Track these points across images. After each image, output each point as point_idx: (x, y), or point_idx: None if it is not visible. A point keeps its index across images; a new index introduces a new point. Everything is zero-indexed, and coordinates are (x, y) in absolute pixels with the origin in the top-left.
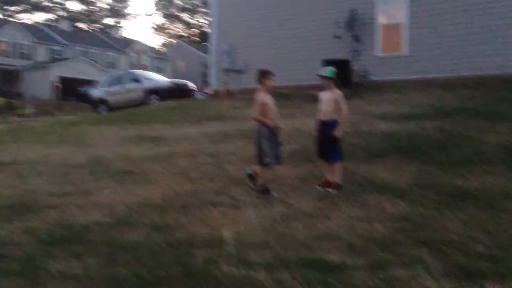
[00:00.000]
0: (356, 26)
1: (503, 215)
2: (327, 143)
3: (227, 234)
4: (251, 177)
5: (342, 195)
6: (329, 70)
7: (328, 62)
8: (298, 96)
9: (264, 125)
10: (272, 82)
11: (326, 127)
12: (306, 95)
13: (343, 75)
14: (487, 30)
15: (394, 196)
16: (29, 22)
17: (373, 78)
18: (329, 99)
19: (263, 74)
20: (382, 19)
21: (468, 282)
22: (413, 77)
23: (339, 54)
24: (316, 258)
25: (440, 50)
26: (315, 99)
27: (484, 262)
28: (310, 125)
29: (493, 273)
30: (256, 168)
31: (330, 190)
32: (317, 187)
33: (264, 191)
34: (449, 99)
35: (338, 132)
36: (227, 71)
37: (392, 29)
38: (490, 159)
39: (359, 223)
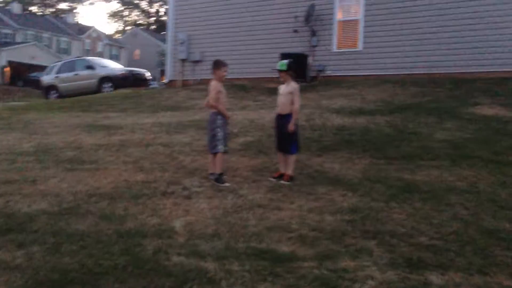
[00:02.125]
0: (314, 20)
1: (446, 208)
2: (285, 136)
3: (178, 224)
4: (217, 179)
5: (295, 187)
6: (281, 63)
7: (285, 56)
8: (255, 89)
9: (221, 113)
10: (224, 73)
11: (283, 120)
12: (263, 88)
13: (300, 69)
14: (439, 30)
15: (345, 188)
16: None
17: (329, 72)
18: (286, 92)
19: (216, 65)
20: (339, 15)
21: (411, 272)
22: (367, 73)
23: (298, 48)
24: (266, 248)
25: (393, 48)
26: (271, 92)
27: (428, 253)
28: (265, 117)
29: (436, 264)
30: (212, 167)
31: (283, 181)
32: (271, 178)
33: (219, 180)
34: (401, 96)
35: (291, 126)
36: (183, 61)
37: (348, 25)
38: (437, 154)
39: (310, 215)
